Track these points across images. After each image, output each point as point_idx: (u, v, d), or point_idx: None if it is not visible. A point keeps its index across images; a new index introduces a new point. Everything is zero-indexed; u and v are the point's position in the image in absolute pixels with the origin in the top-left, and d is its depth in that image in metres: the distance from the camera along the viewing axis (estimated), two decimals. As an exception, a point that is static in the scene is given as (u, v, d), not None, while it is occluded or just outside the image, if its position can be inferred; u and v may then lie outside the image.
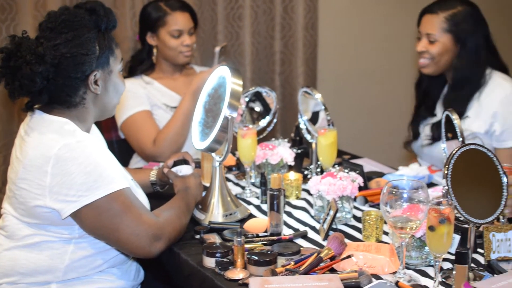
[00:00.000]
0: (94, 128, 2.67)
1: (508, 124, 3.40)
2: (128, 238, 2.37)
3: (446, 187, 2.24)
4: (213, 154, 2.76)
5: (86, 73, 2.39)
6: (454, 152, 2.31)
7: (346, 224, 2.78)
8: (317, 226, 2.74)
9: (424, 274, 2.33)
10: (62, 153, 2.30)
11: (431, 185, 3.24)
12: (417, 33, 3.57)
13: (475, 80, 3.47)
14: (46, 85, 2.36)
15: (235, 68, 2.75)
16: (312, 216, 2.85)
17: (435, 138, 3.53)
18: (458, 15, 3.44)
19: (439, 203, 2.14)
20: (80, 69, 2.37)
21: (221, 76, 2.76)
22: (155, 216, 2.44)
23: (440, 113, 3.59)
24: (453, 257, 2.31)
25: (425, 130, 3.68)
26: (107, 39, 2.45)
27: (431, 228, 2.14)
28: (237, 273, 2.28)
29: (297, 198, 3.06)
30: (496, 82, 3.47)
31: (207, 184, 2.85)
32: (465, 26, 3.44)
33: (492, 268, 2.33)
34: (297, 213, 2.89)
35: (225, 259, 2.35)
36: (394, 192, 2.18)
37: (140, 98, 3.78)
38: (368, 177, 3.20)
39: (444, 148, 2.96)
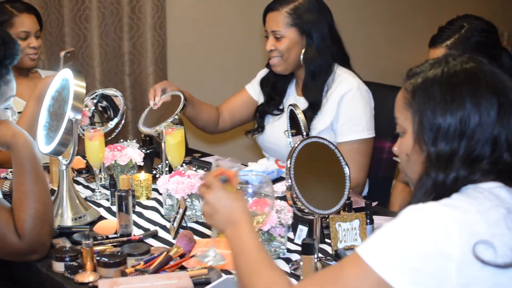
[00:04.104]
0: None
1: (347, 118, 3.38)
2: (4, 256, 2.37)
3: (290, 181, 2.28)
4: (60, 158, 2.72)
5: None
6: (296, 145, 2.34)
7: (197, 222, 2.80)
8: (168, 225, 2.75)
9: (273, 266, 2.36)
10: None
11: (281, 179, 3.29)
12: (264, 32, 3.52)
13: (324, 69, 3.43)
14: None
15: (78, 70, 2.72)
16: (162, 216, 2.87)
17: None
18: (300, 7, 3.40)
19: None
20: None
21: (65, 79, 2.73)
22: (18, 239, 2.33)
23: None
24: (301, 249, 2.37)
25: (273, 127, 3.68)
26: None
27: None
28: (86, 276, 2.26)
29: (148, 198, 3.06)
30: (341, 77, 3.43)
31: (55, 188, 2.81)
32: (308, 17, 3.39)
33: (340, 257, 2.40)
34: (148, 213, 2.89)
35: (74, 263, 2.32)
36: (239, 187, 2.21)
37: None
38: (219, 174, 3.22)
39: (290, 142, 3.00)
